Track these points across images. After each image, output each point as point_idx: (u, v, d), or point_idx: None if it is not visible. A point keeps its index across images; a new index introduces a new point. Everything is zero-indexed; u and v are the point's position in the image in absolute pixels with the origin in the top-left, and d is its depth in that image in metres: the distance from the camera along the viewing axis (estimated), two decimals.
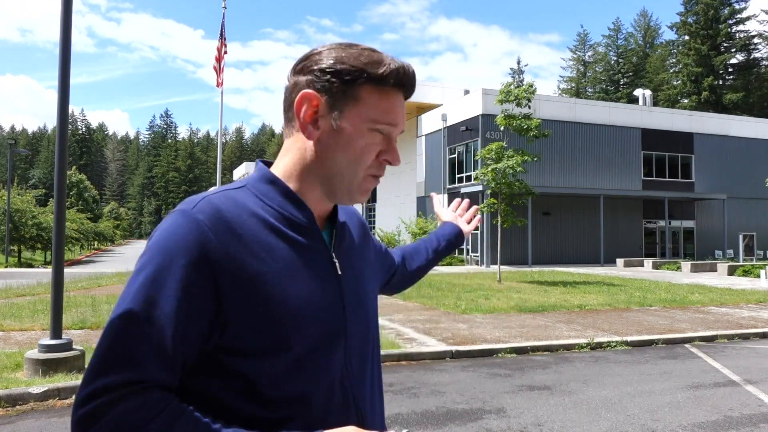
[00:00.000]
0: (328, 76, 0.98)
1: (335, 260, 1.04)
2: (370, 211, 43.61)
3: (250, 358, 0.91)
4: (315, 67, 0.99)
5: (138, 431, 0.80)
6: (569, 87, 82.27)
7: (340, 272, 1.03)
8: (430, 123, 33.18)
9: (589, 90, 79.53)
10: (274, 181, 1.02)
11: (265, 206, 0.99)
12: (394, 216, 36.42)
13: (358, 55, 0.98)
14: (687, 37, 58.71)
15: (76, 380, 5.68)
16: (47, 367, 5.86)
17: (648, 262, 26.73)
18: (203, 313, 0.89)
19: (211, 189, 1.02)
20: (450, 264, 27.85)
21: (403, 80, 1.00)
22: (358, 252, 1.15)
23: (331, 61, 0.98)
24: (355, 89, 0.98)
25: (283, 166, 1.04)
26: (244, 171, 75.74)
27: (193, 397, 0.91)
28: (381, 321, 9.22)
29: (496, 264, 20.12)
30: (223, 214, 0.94)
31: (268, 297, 0.92)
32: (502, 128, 18.18)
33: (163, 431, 0.81)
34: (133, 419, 0.80)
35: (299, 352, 0.94)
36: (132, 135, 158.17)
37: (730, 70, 58.60)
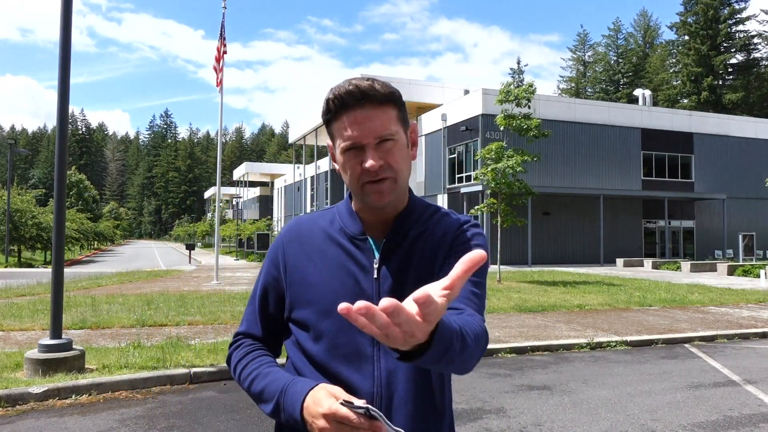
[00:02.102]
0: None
1: (375, 265, 1.27)
2: None
3: (301, 329, 1.29)
4: None
5: (233, 358, 1.35)
6: (569, 87, 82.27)
7: (375, 276, 1.26)
8: (430, 123, 33.18)
9: (589, 90, 79.51)
10: (347, 202, 1.36)
11: (335, 221, 1.34)
12: None
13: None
14: (687, 37, 58.71)
15: (75, 380, 5.68)
16: (47, 367, 5.86)
17: (648, 262, 26.74)
18: (276, 293, 1.35)
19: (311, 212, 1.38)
20: None
21: (342, 102, 1.20)
22: (419, 260, 1.30)
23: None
24: (329, 129, 1.27)
25: None
26: (244, 171, 75.71)
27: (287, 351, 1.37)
28: None
29: (495, 264, 20.12)
30: (296, 228, 1.37)
31: (310, 286, 1.28)
32: (502, 128, 18.18)
33: (241, 360, 1.32)
34: (234, 351, 1.36)
35: (327, 330, 1.24)
36: (133, 135, 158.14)
37: (730, 70, 58.57)
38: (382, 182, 1.21)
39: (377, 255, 1.28)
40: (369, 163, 1.19)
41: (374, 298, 1.22)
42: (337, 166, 1.31)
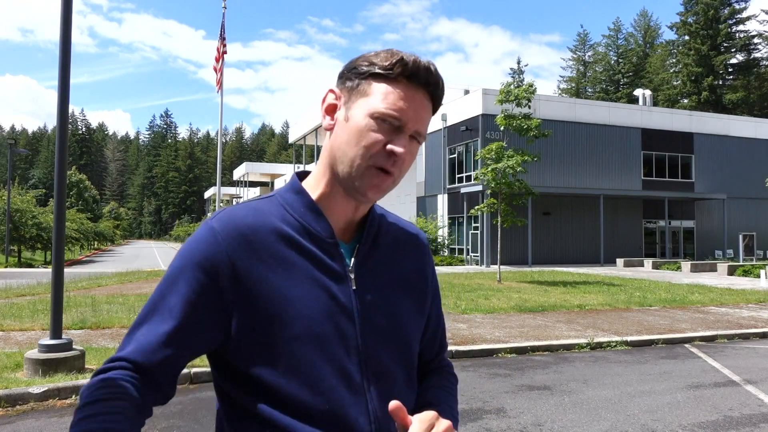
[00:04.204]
0: (347, 73, 1.05)
1: (351, 275, 1.05)
2: None
3: (253, 364, 0.98)
4: (343, 70, 1.08)
5: (88, 395, 0.92)
6: (569, 87, 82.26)
7: (354, 287, 1.04)
8: (430, 123, 33.14)
9: (589, 90, 79.51)
10: (300, 192, 1.07)
11: (287, 215, 1.04)
12: None
13: (376, 54, 1.04)
14: (687, 37, 58.67)
15: (76, 380, 5.68)
16: (47, 367, 5.86)
17: (648, 262, 26.73)
18: (207, 307, 0.98)
19: (241, 202, 1.09)
20: (450, 264, 27.85)
21: (411, 71, 1.00)
22: (396, 272, 1.12)
23: (352, 63, 1.06)
24: (365, 82, 1.02)
25: (314, 171, 1.11)
26: (244, 171, 75.74)
27: (225, 399, 1.05)
28: None
29: (496, 264, 20.12)
30: (238, 223, 1.01)
31: (270, 300, 0.97)
32: (502, 128, 18.18)
33: (93, 395, 0.91)
34: (90, 384, 0.94)
35: (309, 359, 0.97)
36: (133, 135, 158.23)
37: (730, 70, 58.55)
38: (388, 177, 1.02)
39: (349, 261, 1.06)
40: (400, 149, 1.00)
41: (354, 312, 1.02)
42: (328, 122, 1.06)
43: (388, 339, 1.06)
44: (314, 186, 1.08)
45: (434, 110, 1.08)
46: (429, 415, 0.94)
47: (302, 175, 1.13)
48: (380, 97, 1.00)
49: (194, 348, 0.99)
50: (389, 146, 1.00)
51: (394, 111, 1.00)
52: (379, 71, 1.01)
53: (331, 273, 1.03)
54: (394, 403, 0.93)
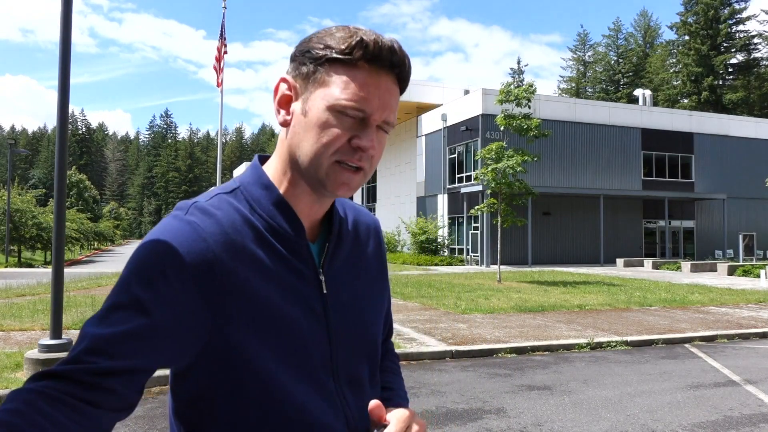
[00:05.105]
0: (301, 59, 0.94)
1: (321, 278, 0.97)
2: (370, 211, 43.56)
3: (231, 379, 0.88)
4: (295, 52, 0.96)
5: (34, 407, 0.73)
6: (569, 87, 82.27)
7: (325, 291, 0.97)
8: (430, 123, 33.20)
9: (589, 90, 79.51)
10: (268, 187, 0.96)
11: (254, 213, 0.94)
12: (394, 216, 36.46)
13: (331, 34, 0.92)
14: (687, 37, 58.68)
15: None
16: (47, 367, 5.85)
17: (648, 262, 26.73)
18: (185, 310, 0.84)
19: (203, 194, 0.97)
20: (450, 264, 27.85)
21: (373, 54, 0.89)
22: (359, 266, 1.06)
23: (306, 44, 0.94)
24: (322, 69, 0.91)
25: (272, 165, 1.00)
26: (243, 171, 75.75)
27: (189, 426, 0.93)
28: None
29: (496, 264, 20.13)
30: (219, 219, 0.90)
31: (254, 307, 0.89)
32: (502, 128, 18.19)
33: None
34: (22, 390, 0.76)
35: (289, 378, 0.90)
36: (133, 135, 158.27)
37: (730, 70, 58.54)
38: (357, 173, 0.93)
39: (318, 262, 0.99)
40: (366, 143, 0.90)
41: (325, 320, 0.96)
42: (284, 117, 0.95)
43: (358, 343, 1.02)
44: (278, 181, 0.98)
45: (401, 90, 0.97)
46: (405, 414, 0.93)
47: (263, 159, 1.03)
48: (340, 87, 0.89)
49: (162, 356, 0.84)
50: (354, 141, 0.90)
51: (356, 103, 0.89)
52: (337, 56, 0.89)
53: (302, 277, 0.95)
54: (374, 402, 0.92)
